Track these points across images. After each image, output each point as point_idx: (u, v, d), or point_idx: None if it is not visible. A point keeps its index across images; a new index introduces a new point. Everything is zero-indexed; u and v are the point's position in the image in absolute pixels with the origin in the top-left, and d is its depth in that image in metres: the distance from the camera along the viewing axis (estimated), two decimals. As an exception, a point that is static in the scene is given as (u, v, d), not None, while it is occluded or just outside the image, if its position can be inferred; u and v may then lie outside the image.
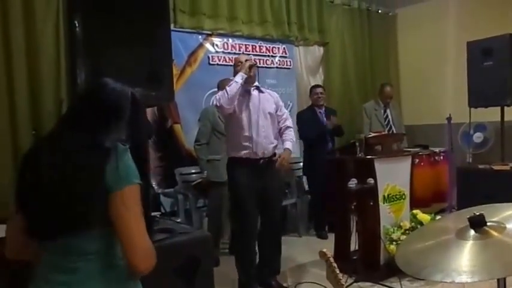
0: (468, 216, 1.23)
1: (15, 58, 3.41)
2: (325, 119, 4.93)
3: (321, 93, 4.98)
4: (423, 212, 3.77)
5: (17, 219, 1.26)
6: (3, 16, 3.37)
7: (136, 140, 1.35)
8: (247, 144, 3.19)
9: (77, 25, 2.59)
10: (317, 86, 5.19)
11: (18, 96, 3.43)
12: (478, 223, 1.21)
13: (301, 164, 5.29)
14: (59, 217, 1.20)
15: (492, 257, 1.15)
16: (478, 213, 1.21)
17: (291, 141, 3.40)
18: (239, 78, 3.13)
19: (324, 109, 5.01)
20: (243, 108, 3.21)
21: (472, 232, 1.22)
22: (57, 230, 1.21)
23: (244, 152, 3.20)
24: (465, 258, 1.16)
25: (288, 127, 3.43)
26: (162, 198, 4.40)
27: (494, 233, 1.19)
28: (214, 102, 3.16)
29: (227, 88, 3.10)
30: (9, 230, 1.32)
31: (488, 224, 1.22)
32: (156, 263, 1.26)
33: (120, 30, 2.60)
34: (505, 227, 1.21)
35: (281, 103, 3.49)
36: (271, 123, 3.31)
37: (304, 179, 5.24)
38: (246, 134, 3.20)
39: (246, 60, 3.26)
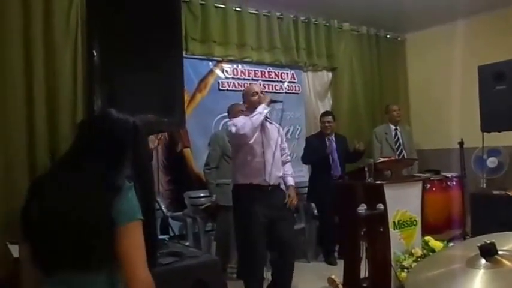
0: (478, 245, 1.21)
1: (35, 83, 3.52)
2: (334, 145, 4.94)
3: (329, 121, 4.99)
4: (436, 239, 3.72)
5: (24, 249, 1.32)
6: (25, 42, 3.49)
7: (139, 168, 1.40)
8: (260, 172, 3.23)
9: (95, 54, 2.68)
10: (326, 113, 5.18)
11: (37, 120, 3.52)
12: (488, 252, 1.19)
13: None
14: (66, 251, 1.25)
15: (504, 287, 1.12)
16: (488, 242, 1.19)
17: (292, 177, 3.58)
18: (262, 110, 3.20)
19: (333, 136, 5.02)
20: (257, 137, 3.24)
21: (483, 261, 1.19)
22: (64, 264, 1.26)
23: (256, 179, 3.22)
24: (476, 287, 1.14)
25: (288, 161, 3.59)
26: (171, 221, 4.41)
27: (506, 262, 1.17)
28: (234, 131, 3.15)
29: (252, 119, 3.15)
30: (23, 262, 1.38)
31: (499, 252, 1.20)
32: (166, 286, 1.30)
33: (135, 58, 2.68)
34: (517, 256, 1.18)
35: (284, 138, 3.60)
36: (279, 153, 3.40)
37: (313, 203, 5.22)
38: (260, 162, 3.24)
39: (262, 92, 3.36)
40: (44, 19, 3.57)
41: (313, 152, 4.88)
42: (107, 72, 2.70)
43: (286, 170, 3.53)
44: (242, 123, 3.14)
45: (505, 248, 1.23)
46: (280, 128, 3.57)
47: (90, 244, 1.23)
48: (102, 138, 1.35)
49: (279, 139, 3.43)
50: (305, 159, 5.07)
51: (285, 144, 3.61)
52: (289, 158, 3.63)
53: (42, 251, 1.28)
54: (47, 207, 1.27)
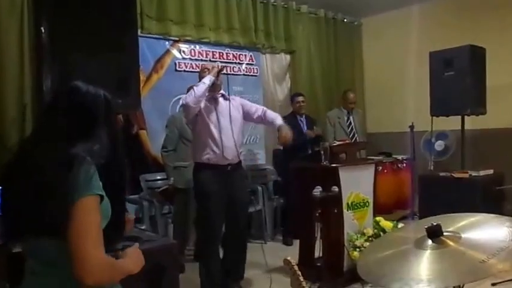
0: (426, 226, 1.27)
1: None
2: (305, 127, 5.00)
3: (302, 101, 5.08)
4: (386, 219, 3.87)
5: None
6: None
7: (112, 141, 1.33)
8: (216, 149, 3.20)
9: (43, 31, 2.54)
10: (298, 94, 5.25)
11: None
12: (434, 233, 1.25)
13: (267, 170, 5.34)
14: (21, 220, 1.23)
15: (448, 266, 1.19)
16: (435, 224, 1.26)
17: (279, 116, 3.47)
18: (207, 80, 3.15)
19: (304, 117, 5.07)
20: (211, 113, 3.22)
21: (430, 242, 1.26)
22: (19, 233, 1.26)
23: (213, 156, 3.20)
24: (423, 267, 1.21)
25: (266, 110, 3.49)
26: (126, 204, 4.33)
27: (450, 243, 1.24)
28: (181, 103, 3.14)
29: (194, 88, 3.11)
30: None
31: (444, 233, 1.27)
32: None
33: (88, 36, 2.58)
34: (460, 237, 1.26)
35: (245, 101, 3.54)
36: (239, 129, 3.35)
37: (270, 185, 5.28)
38: (215, 138, 3.20)
39: (213, 67, 3.30)
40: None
41: None
42: (56, 51, 2.58)
43: (270, 115, 3.45)
44: (186, 95, 3.12)
45: (450, 229, 1.30)
46: (239, 99, 3.52)
47: (42, 216, 1.18)
48: (72, 112, 1.29)
49: (241, 112, 3.39)
50: None
51: (253, 104, 3.57)
52: (265, 108, 3.54)
53: (5, 222, 1.27)
54: (11, 186, 1.26)
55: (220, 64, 3.59)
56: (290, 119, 5.04)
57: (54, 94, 1.46)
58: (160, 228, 4.26)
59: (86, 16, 2.62)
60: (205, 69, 3.33)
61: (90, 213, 1.20)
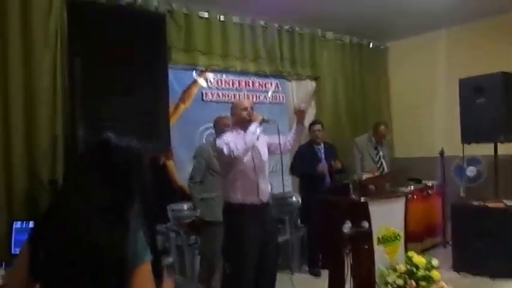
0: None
1: (12, 98, 3.42)
2: (323, 155, 4.94)
3: (319, 130, 4.99)
4: (417, 248, 3.75)
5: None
6: (2, 55, 3.39)
7: (145, 196, 1.35)
8: (253, 191, 3.18)
9: (76, 69, 2.60)
10: (316, 122, 5.17)
11: (14, 136, 3.42)
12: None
13: (294, 198, 5.27)
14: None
15: None
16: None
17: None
18: (255, 129, 3.12)
19: (322, 145, 5.02)
20: (248, 155, 3.20)
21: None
22: None
23: (249, 198, 3.18)
24: None
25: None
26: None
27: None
28: (226, 152, 3.04)
29: (246, 140, 3.07)
30: None
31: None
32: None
33: (119, 76, 2.62)
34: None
35: (269, 139, 3.45)
36: (267, 166, 3.37)
37: (296, 212, 5.21)
38: (253, 181, 3.18)
39: (252, 108, 3.28)
40: (21, 29, 3.48)
41: (306, 162, 4.86)
42: (89, 89, 2.63)
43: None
44: (234, 143, 3.06)
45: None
46: (264, 137, 3.45)
47: (104, 283, 1.20)
48: (108, 171, 1.30)
49: (267, 152, 3.37)
50: (296, 171, 5.01)
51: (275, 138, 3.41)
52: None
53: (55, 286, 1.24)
54: (60, 248, 1.23)
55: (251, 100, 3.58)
56: (307, 147, 5.00)
57: (90, 150, 1.46)
58: (187, 259, 4.24)
59: (117, 54, 2.67)
60: (245, 108, 3.25)
61: (149, 279, 1.25)
